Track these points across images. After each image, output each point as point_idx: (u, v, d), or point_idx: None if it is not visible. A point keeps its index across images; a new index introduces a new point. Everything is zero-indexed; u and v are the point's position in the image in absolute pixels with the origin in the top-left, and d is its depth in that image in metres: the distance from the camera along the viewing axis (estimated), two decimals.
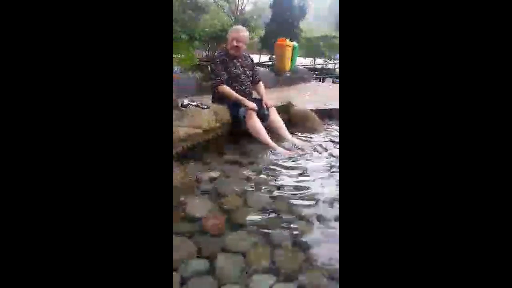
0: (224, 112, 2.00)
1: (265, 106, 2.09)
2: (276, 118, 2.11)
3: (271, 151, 1.87)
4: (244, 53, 2.19)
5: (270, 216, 1.16)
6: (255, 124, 1.95)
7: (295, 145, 1.98)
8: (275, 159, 1.76)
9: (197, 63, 4.18)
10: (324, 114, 2.69)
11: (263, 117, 2.05)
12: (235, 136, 2.02)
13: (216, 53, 2.20)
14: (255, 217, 1.15)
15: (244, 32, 2.09)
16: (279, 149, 1.89)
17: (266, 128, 2.00)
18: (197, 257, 0.93)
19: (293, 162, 1.74)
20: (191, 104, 2.30)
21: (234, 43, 2.04)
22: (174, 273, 0.84)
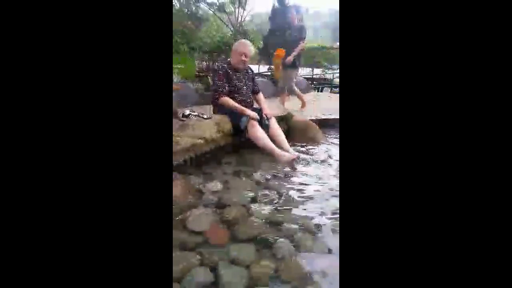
0: (225, 122, 2.02)
1: (265, 116, 2.11)
2: (276, 129, 2.13)
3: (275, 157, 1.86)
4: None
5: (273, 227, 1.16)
6: (258, 132, 1.96)
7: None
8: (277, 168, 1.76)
9: (196, 73, 4.22)
10: (324, 124, 2.71)
11: (264, 127, 2.07)
12: (236, 146, 2.03)
13: (218, 65, 2.23)
14: None
15: (250, 47, 2.13)
16: (283, 154, 1.88)
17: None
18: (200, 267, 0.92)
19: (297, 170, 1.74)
20: (192, 114, 2.32)
21: (240, 57, 2.07)
22: (177, 285, 0.83)
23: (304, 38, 3.68)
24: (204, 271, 0.90)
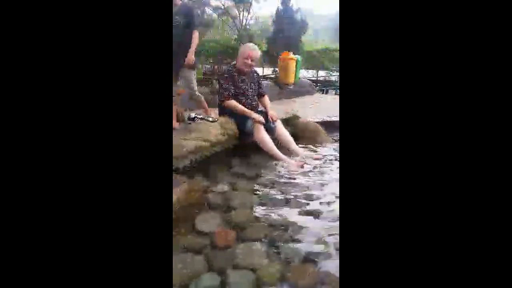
0: (230, 125, 2.02)
1: (270, 119, 2.11)
2: (283, 132, 2.13)
3: (279, 163, 1.87)
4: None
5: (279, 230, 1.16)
6: (263, 136, 1.97)
7: (305, 158, 1.99)
8: (283, 172, 1.76)
9: (202, 76, 4.26)
10: (330, 126, 2.70)
11: (270, 130, 2.07)
12: (242, 149, 2.03)
13: (224, 68, 2.23)
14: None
15: (256, 50, 2.13)
16: (288, 160, 1.89)
17: (273, 142, 2.02)
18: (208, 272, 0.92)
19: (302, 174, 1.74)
20: (197, 117, 2.33)
21: (245, 61, 2.08)
22: None
23: (195, 25, 2.45)
24: (211, 274, 0.90)
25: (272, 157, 1.93)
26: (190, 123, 2.25)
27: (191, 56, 2.40)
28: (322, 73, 10.07)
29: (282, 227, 1.17)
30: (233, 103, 2.05)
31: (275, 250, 1.02)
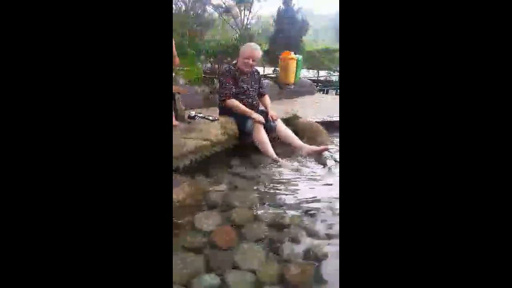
0: (231, 124, 2.02)
1: (270, 119, 2.11)
2: (284, 129, 2.14)
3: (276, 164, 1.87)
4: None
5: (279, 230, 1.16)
6: (262, 137, 1.97)
7: (310, 152, 1.99)
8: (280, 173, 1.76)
9: (202, 76, 4.26)
10: (330, 126, 2.69)
11: (270, 129, 2.07)
12: (242, 149, 2.03)
13: (225, 67, 2.23)
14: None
15: (257, 50, 2.11)
16: (284, 163, 1.89)
17: (277, 140, 2.02)
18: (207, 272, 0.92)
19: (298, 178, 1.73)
20: (198, 116, 2.34)
21: (246, 61, 2.07)
22: None
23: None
24: (211, 274, 0.90)
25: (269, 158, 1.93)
26: (190, 122, 2.25)
27: (175, 59, 2.50)
28: (322, 73, 10.07)
29: (283, 227, 1.17)
30: (233, 102, 2.05)
31: (275, 250, 1.02)
